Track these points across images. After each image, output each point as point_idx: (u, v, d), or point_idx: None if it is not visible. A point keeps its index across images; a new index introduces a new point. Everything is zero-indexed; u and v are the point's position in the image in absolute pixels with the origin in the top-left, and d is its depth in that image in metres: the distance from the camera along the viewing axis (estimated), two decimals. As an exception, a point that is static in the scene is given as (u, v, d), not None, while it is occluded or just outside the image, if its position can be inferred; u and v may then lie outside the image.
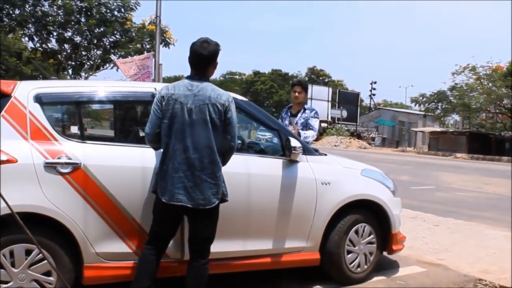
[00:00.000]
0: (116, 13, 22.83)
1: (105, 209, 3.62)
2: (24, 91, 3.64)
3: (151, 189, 3.59)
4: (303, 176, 4.36)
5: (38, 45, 22.52)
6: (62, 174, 3.51)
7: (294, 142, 4.21)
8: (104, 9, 22.44)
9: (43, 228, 3.48)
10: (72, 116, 4.10)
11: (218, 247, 3.81)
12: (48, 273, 3.47)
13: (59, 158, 3.52)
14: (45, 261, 3.45)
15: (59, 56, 22.93)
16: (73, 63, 23.29)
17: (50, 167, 3.49)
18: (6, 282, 3.36)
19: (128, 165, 3.73)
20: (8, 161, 3.38)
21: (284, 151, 4.29)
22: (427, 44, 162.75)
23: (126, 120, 4.51)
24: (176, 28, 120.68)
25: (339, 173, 4.66)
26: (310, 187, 4.39)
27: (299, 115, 5.95)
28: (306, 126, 5.89)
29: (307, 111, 5.97)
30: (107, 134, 4.96)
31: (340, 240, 4.54)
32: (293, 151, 4.18)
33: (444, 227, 7.71)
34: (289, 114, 6.06)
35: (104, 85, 4.18)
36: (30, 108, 3.60)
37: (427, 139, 47.80)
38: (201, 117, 3.35)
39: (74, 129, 3.92)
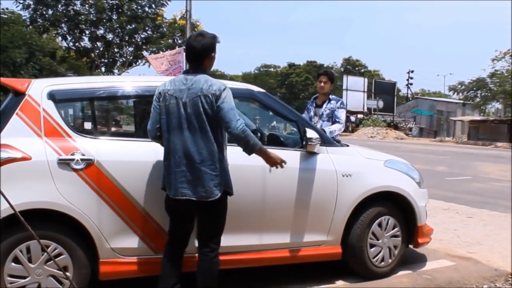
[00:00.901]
0: (147, 9, 23.11)
1: (119, 205, 3.61)
2: (38, 89, 3.67)
3: (161, 186, 3.56)
4: (323, 168, 4.25)
5: (71, 44, 22.98)
6: (75, 170, 3.52)
7: (310, 133, 4.10)
8: (135, 6, 22.72)
9: (59, 225, 3.52)
10: (86, 112, 4.11)
11: (233, 241, 3.79)
12: (64, 269, 3.48)
13: (72, 154, 3.53)
14: (62, 256, 3.48)
15: (92, 54, 23.34)
16: (106, 60, 23.66)
17: (64, 163, 3.50)
18: (24, 277, 3.41)
19: (142, 160, 3.71)
20: (22, 159, 3.41)
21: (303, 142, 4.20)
22: (466, 30, 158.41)
23: (139, 115, 4.50)
24: (209, 23, 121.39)
25: (361, 164, 4.53)
26: (330, 179, 4.28)
27: (324, 106, 5.84)
28: (332, 117, 5.77)
29: (332, 102, 5.86)
30: (121, 129, 4.96)
31: (363, 234, 4.41)
32: (309, 143, 4.08)
33: (478, 219, 7.44)
34: (314, 105, 5.95)
35: (118, 80, 4.19)
36: (43, 105, 3.62)
37: (466, 129, 46.56)
38: (195, 110, 3.30)
39: (88, 125, 3.93)
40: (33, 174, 3.44)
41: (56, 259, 3.44)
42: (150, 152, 3.73)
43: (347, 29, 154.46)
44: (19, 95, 3.64)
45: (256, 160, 3.94)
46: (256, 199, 3.99)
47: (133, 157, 3.71)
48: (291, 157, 4.17)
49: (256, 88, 4.32)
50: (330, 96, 5.90)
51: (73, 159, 3.52)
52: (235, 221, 3.92)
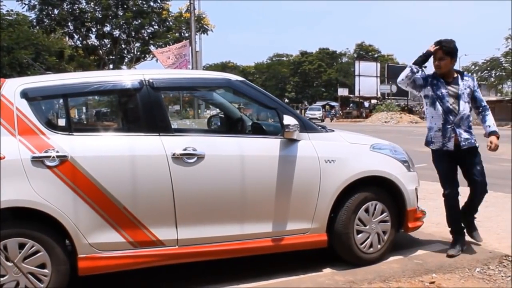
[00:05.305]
0: (152, 3, 23.11)
1: (95, 200, 3.61)
2: (11, 88, 3.68)
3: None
4: (304, 155, 4.21)
5: (78, 42, 23.13)
6: (49, 167, 3.53)
7: (288, 120, 4.05)
8: (140, 1, 22.76)
9: (35, 223, 3.53)
10: (60, 109, 4.11)
11: (213, 231, 3.84)
12: (42, 266, 3.52)
13: (46, 152, 3.54)
14: (40, 253, 3.50)
15: (99, 51, 23.46)
16: (114, 57, 23.76)
17: (38, 161, 3.51)
18: (2, 276, 3.43)
19: (116, 154, 3.71)
20: (-5, 158, 3.43)
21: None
22: (482, 9, 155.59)
23: (114, 109, 4.49)
24: (216, 14, 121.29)
25: (344, 149, 4.46)
26: (312, 166, 4.23)
27: (460, 83, 4.71)
28: (473, 99, 4.81)
29: (466, 78, 4.80)
30: (96, 124, 4.96)
31: (348, 220, 4.35)
32: (286, 130, 4.03)
33: (480, 200, 7.27)
34: (442, 81, 4.72)
35: (91, 75, 4.17)
36: (17, 104, 3.63)
37: (482, 109, 45.66)
38: None
39: (62, 122, 3.93)
40: (7, 173, 3.45)
41: (34, 257, 3.49)
42: (125, 146, 3.74)
43: (360, 14, 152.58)
44: (-8, 95, 3.66)
45: (235, 149, 3.97)
46: (236, 189, 3.98)
47: (108, 152, 3.70)
48: (271, 145, 4.16)
49: (234, 77, 4.29)
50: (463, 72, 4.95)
51: (47, 157, 3.53)
52: (215, 211, 3.93)
